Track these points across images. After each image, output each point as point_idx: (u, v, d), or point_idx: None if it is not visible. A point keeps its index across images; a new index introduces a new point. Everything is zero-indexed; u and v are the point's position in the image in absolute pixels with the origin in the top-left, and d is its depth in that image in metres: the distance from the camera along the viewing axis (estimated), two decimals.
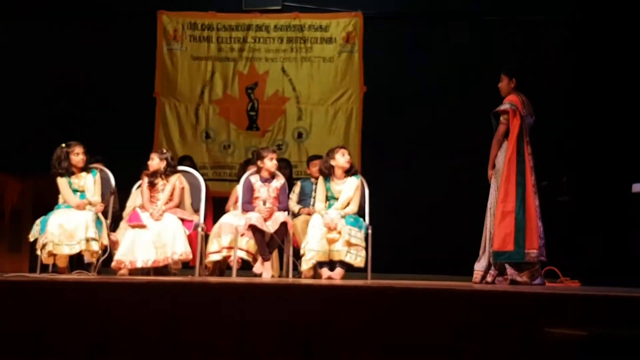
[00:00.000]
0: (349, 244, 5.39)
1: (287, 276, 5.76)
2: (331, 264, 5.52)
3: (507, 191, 5.15)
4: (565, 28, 7.01)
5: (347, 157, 5.71)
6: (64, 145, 5.76)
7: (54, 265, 5.57)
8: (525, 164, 5.20)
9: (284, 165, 6.81)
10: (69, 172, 5.71)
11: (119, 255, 5.50)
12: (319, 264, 5.49)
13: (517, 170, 5.18)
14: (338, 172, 5.73)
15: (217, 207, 6.67)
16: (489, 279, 5.21)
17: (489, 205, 5.33)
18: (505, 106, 5.29)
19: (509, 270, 5.12)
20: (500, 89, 5.44)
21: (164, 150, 6.08)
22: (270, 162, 5.88)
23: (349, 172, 5.75)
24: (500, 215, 5.15)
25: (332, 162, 5.71)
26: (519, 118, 5.23)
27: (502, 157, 5.25)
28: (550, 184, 6.33)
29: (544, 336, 3.07)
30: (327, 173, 5.75)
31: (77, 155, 5.73)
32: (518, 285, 5.03)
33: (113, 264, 5.51)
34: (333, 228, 5.41)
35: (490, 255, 5.24)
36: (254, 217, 5.58)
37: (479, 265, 5.30)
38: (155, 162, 5.87)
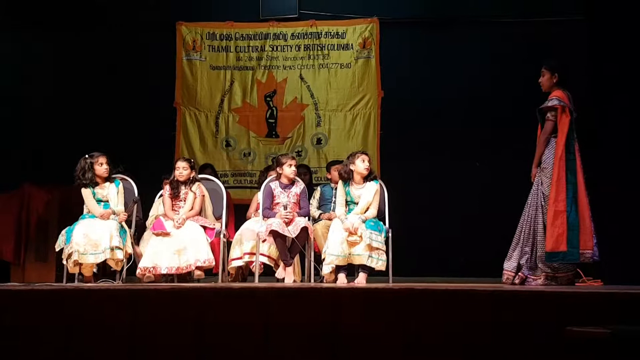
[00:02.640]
0: (370, 247, 5.40)
1: (309, 281, 5.80)
2: (350, 268, 5.55)
3: (558, 190, 5.05)
4: (586, 27, 6.96)
5: (366, 163, 5.70)
6: (87, 156, 5.83)
7: (80, 274, 5.66)
8: (575, 162, 5.11)
9: (304, 171, 6.86)
10: (93, 183, 5.78)
11: (143, 263, 5.57)
12: (337, 269, 5.50)
13: (567, 168, 5.08)
14: (357, 177, 5.73)
15: (238, 214, 6.74)
16: (516, 280, 5.14)
17: (529, 204, 5.22)
18: (553, 102, 5.16)
19: (543, 275, 5.07)
20: (542, 84, 5.32)
21: (191, 159, 6.15)
22: (289, 169, 5.93)
23: (367, 178, 5.76)
24: (552, 215, 5.05)
25: (352, 167, 5.73)
26: (568, 114, 5.12)
27: (550, 156, 5.15)
28: None
29: (566, 335, 3.09)
30: (347, 177, 5.75)
31: (101, 166, 5.81)
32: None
33: (138, 271, 5.58)
34: (354, 232, 5.44)
35: (521, 255, 5.17)
36: (275, 223, 5.63)
37: (509, 265, 5.22)
38: (187, 172, 5.93)
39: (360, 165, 5.69)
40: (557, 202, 5.05)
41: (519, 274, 5.16)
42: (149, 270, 5.54)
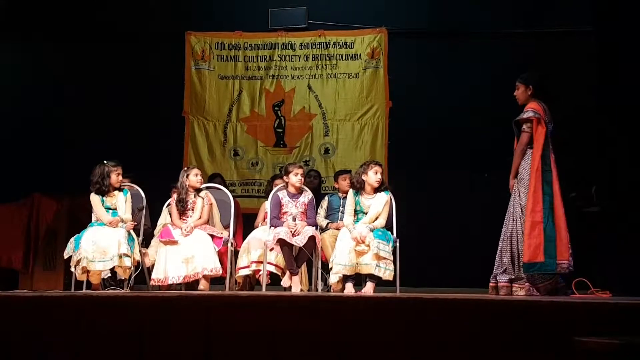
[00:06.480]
0: (378, 257, 5.39)
1: (316, 290, 5.79)
2: (357, 277, 5.54)
3: (534, 202, 5.08)
4: (595, 38, 6.95)
5: (379, 176, 5.67)
6: (105, 162, 5.83)
7: (88, 282, 5.67)
8: (551, 173, 5.13)
9: (315, 175, 6.89)
10: (108, 190, 5.80)
11: (155, 274, 5.63)
12: (345, 278, 5.50)
13: (543, 180, 5.10)
14: (368, 188, 5.71)
15: (246, 223, 6.75)
16: (501, 292, 5.13)
17: (507, 215, 5.25)
18: (528, 114, 5.20)
19: (526, 284, 5.07)
20: (517, 98, 5.37)
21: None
22: (295, 177, 5.93)
23: (378, 189, 5.74)
24: (529, 226, 5.06)
25: (364, 177, 5.71)
26: (544, 126, 5.16)
27: (527, 167, 5.18)
28: (580, 194, 6.28)
29: (574, 346, 3.07)
30: (358, 187, 5.74)
31: (118, 176, 5.83)
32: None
33: (152, 282, 5.63)
34: (361, 241, 5.43)
35: (516, 267, 5.17)
36: (282, 231, 5.64)
37: (504, 278, 5.18)
38: (199, 178, 5.96)
39: (372, 176, 5.68)
40: (534, 213, 5.07)
41: (499, 283, 5.16)
42: (161, 281, 5.59)
